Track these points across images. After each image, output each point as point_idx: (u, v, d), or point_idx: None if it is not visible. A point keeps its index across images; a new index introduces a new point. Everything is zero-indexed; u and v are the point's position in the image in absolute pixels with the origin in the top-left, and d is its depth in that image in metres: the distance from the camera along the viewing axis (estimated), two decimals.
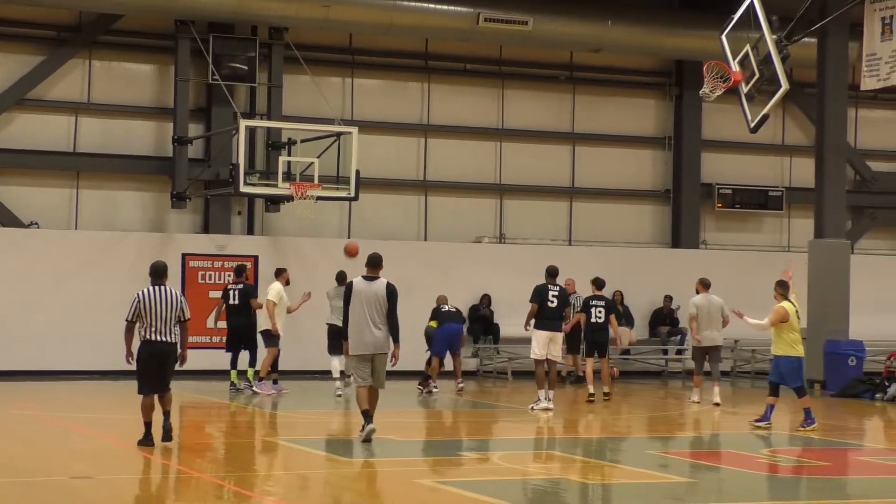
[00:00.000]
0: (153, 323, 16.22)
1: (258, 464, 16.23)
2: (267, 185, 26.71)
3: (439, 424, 20.96)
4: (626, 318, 29.31)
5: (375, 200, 29.48)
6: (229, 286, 24.69)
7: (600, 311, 23.58)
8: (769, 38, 21.41)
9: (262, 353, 24.32)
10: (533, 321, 21.88)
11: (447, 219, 30.53)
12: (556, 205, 31.60)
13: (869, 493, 14.58)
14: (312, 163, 25.85)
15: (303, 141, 26.95)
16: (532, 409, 21.59)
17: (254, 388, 24.02)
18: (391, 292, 17.10)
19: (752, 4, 21.60)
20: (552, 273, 22.19)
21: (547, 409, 21.46)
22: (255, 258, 28.06)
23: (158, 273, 16.68)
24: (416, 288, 26.33)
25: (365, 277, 17.21)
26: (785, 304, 19.90)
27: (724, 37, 22.14)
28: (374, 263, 17.33)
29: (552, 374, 21.96)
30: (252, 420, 21.28)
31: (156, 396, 16.47)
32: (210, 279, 27.71)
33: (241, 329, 24.27)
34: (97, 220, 28.15)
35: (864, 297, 28.98)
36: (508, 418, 21.61)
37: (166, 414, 16.38)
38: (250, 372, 24.38)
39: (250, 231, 29.00)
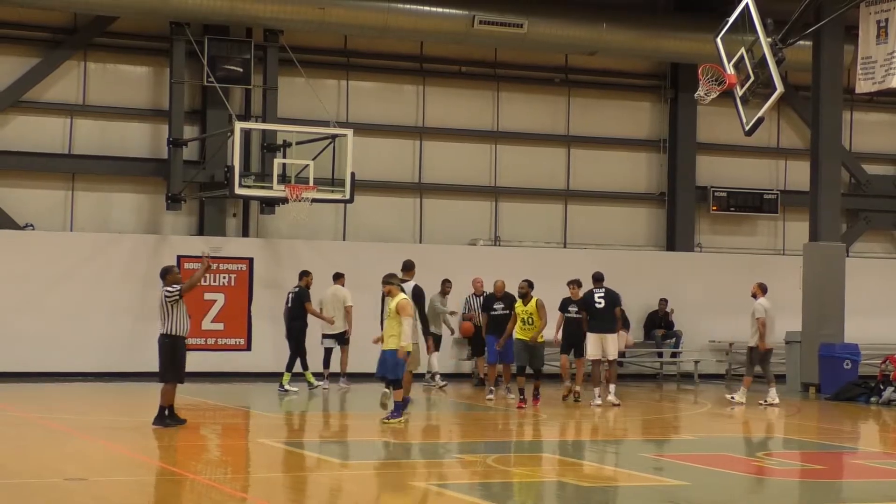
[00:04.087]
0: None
1: (252, 465, 16.21)
2: (262, 188, 26.70)
3: (435, 426, 20.93)
4: (622, 321, 29.26)
5: (370, 203, 29.47)
6: (290, 291, 25.45)
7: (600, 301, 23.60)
8: (764, 41, 21.40)
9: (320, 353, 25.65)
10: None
11: (442, 221, 30.53)
12: (552, 207, 31.60)
13: (864, 497, 14.59)
14: (307, 165, 25.82)
15: (298, 143, 26.90)
16: (594, 405, 23.10)
17: (286, 388, 24.74)
18: (418, 295, 20.69)
19: (747, 7, 21.58)
20: (597, 278, 23.73)
21: (606, 405, 23.01)
22: (250, 260, 28.05)
23: (160, 276, 18.77)
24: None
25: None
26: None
27: (719, 39, 22.12)
28: (407, 268, 21.14)
29: (611, 371, 23.62)
30: (246, 422, 21.27)
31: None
32: (204, 281, 27.61)
33: (294, 332, 25.09)
34: (92, 221, 28.13)
35: (859, 301, 28.97)
36: (502, 421, 21.61)
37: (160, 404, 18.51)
38: (286, 377, 24.84)
39: (245, 233, 28.98)
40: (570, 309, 23.73)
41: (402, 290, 19.69)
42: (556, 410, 22.41)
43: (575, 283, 23.94)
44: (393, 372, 19.13)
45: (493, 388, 24.10)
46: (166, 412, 18.53)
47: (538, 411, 22.05)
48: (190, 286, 18.65)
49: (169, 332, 18.37)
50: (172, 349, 18.42)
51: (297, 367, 24.95)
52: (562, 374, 24.14)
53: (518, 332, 22.66)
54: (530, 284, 22.74)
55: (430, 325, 23.88)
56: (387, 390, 19.45)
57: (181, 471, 15.21)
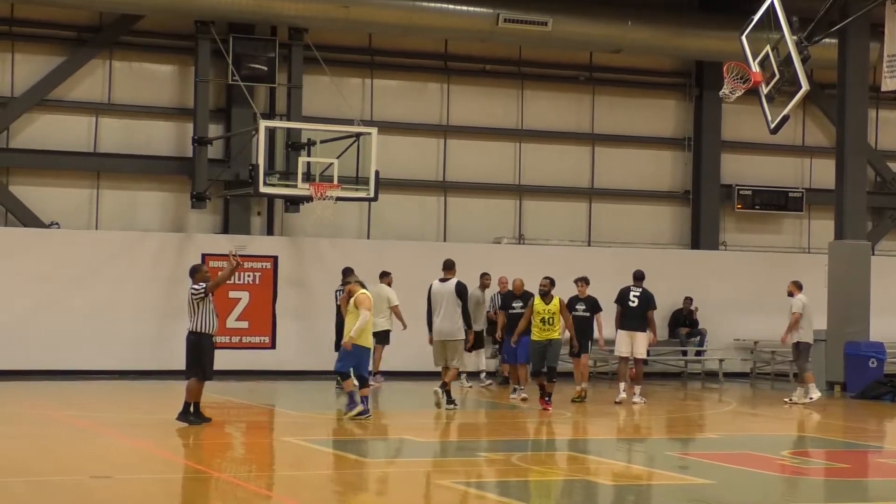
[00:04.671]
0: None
1: (277, 463, 16.24)
2: (286, 186, 26.74)
3: (460, 425, 20.93)
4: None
5: (395, 201, 29.49)
6: (338, 288, 25.39)
7: (634, 299, 23.51)
8: (789, 39, 21.32)
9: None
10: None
11: (466, 220, 30.52)
12: (576, 206, 31.57)
13: (890, 496, 14.52)
14: (332, 163, 25.85)
15: (322, 141, 26.97)
16: (617, 400, 23.17)
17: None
18: (460, 291, 21.74)
19: (772, 5, 21.51)
20: (637, 276, 23.69)
21: (635, 403, 23.05)
22: (275, 258, 28.09)
23: (189, 274, 19.04)
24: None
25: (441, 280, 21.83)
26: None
27: (744, 37, 22.05)
28: (448, 267, 22.11)
29: (637, 370, 23.50)
30: (271, 420, 21.30)
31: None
32: (229, 279, 27.72)
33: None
34: (117, 220, 28.21)
35: (885, 299, 28.89)
36: (528, 420, 21.61)
37: (185, 400, 18.69)
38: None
39: (270, 231, 29.02)
40: (577, 307, 23.22)
41: (363, 287, 20.14)
42: (579, 409, 22.36)
43: (582, 281, 23.55)
44: (344, 366, 19.71)
45: (517, 387, 23.53)
46: (191, 409, 18.61)
47: (547, 413, 21.37)
48: (216, 284, 18.82)
49: (195, 330, 18.50)
50: (197, 346, 18.56)
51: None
52: (575, 377, 23.71)
53: (536, 333, 21.94)
54: (552, 282, 22.13)
55: (472, 320, 23.85)
56: (438, 389, 20.87)
57: (206, 468, 15.25)
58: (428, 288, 22.36)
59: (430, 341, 22.28)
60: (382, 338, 25.26)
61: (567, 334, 22.65)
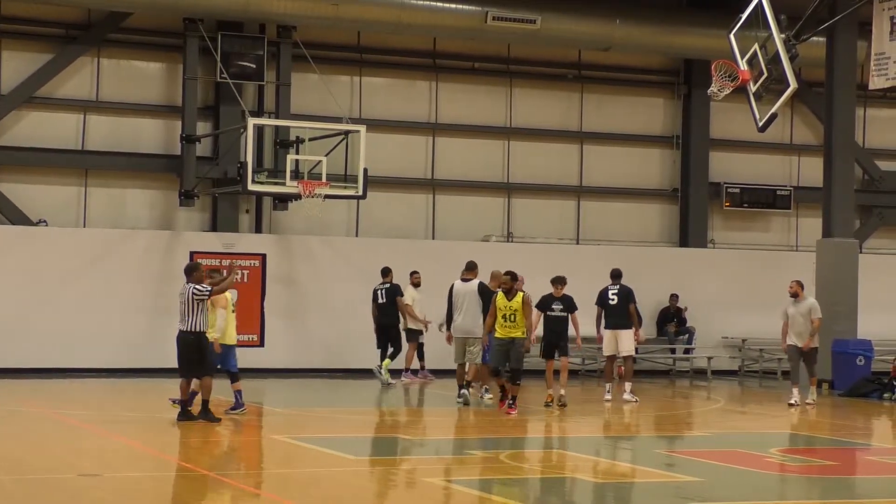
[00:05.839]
0: (180, 315, 18.66)
1: (266, 461, 16.24)
2: (275, 184, 26.73)
3: (451, 424, 20.93)
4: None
5: (383, 199, 29.48)
6: (377, 287, 26.04)
7: (614, 297, 23.26)
8: (777, 37, 21.35)
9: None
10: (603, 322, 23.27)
11: (455, 217, 30.53)
12: (564, 203, 31.59)
13: (877, 493, 14.57)
14: (320, 161, 25.87)
15: (311, 139, 26.96)
16: (604, 400, 22.99)
17: (381, 378, 25.44)
18: (483, 291, 21.96)
19: (760, 3, 21.54)
20: (614, 275, 23.53)
21: (626, 401, 22.86)
22: (263, 256, 28.08)
23: (185, 272, 19.02)
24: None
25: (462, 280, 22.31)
26: None
27: (732, 36, 22.08)
28: (470, 268, 22.51)
29: (626, 367, 23.28)
30: (259, 418, 21.30)
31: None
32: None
33: (389, 326, 25.94)
34: (105, 217, 28.17)
35: (873, 297, 28.93)
36: (517, 418, 21.60)
37: (203, 398, 18.77)
38: (386, 363, 25.61)
39: (258, 229, 29.01)
40: (553, 307, 22.22)
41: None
42: (568, 407, 22.34)
43: (558, 282, 22.40)
44: (225, 364, 19.81)
45: (487, 387, 22.63)
46: (208, 406, 18.95)
47: (511, 417, 20.40)
48: (220, 290, 19.06)
49: (194, 329, 18.60)
50: (199, 345, 18.73)
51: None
52: (547, 380, 22.39)
53: (498, 331, 20.67)
54: (513, 277, 20.89)
55: None
56: (465, 392, 21.82)
57: (195, 466, 15.24)
58: (450, 288, 22.65)
59: (449, 339, 22.67)
60: (413, 335, 26.22)
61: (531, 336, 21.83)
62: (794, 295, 23.35)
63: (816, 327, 23.19)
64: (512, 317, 20.62)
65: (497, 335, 20.73)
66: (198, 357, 18.74)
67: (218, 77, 27.78)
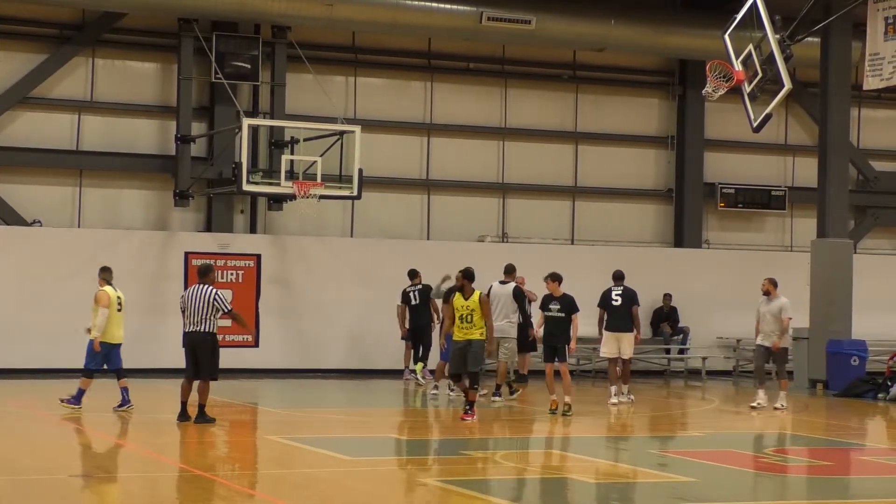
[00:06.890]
0: (190, 316, 18.67)
1: (260, 462, 16.23)
2: (270, 184, 26.71)
3: (447, 424, 20.94)
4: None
5: (378, 199, 29.48)
6: (407, 289, 25.97)
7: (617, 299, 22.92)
8: (772, 38, 21.35)
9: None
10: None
11: (450, 218, 30.53)
12: (559, 204, 31.60)
13: (871, 493, 14.57)
14: (315, 161, 25.86)
15: (306, 139, 26.93)
16: (610, 403, 22.64)
17: (419, 380, 25.41)
18: (517, 294, 22.61)
19: (754, 4, 21.53)
20: (617, 276, 23.25)
21: (621, 403, 22.70)
22: (258, 257, 28.07)
23: (200, 273, 19.14)
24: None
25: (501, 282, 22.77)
26: None
27: (726, 36, 22.07)
28: (509, 271, 23.02)
29: (624, 370, 23.02)
30: (254, 419, 21.29)
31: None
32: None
33: (424, 327, 25.87)
34: (100, 218, 28.15)
35: (867, 297, 28.94)
36: (511, 418, 21.62)
37: (199, 402, 18.71)
38: (419, 366, 25.51)
39: (253, 230, 28.99)
40: (551, 307, 21.02)
41: (111, 284, 20.48)
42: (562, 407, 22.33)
43: (552, 278, 21.32)
44: (92, 364, 20.16)
45: (455, 387, 22.26)
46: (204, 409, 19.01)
47: (468, 424, 19.56)
48: (236, 316, 19.71)
49: (209, 330, 18.77)
50: (215, 348, 18.92)
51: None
52: (548, 384, 21.16)
53: (456, 332, 19.76)
54: (466, 274, 19.87)
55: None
56: (495, 398, 22.24)
57: (189, 467, 15.23)
58: (488, 289, 22.47)
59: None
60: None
61: (536, 330, 21.77)
62: (767, 293, 22.88)
63: (786, 327, 22.74)
64: (469, 317, 19.65)
65: (455, 337, 19.84)
66: (210, 359, 18.78)
67: (213, 77, 27.76)
